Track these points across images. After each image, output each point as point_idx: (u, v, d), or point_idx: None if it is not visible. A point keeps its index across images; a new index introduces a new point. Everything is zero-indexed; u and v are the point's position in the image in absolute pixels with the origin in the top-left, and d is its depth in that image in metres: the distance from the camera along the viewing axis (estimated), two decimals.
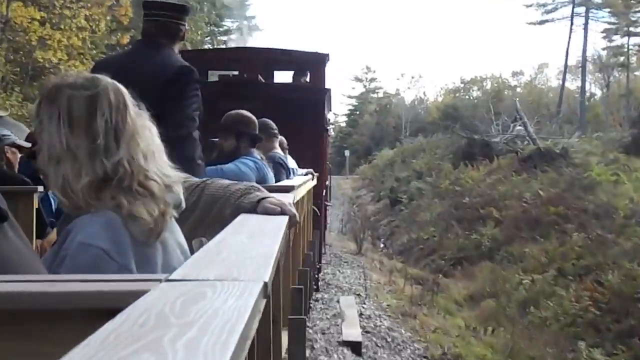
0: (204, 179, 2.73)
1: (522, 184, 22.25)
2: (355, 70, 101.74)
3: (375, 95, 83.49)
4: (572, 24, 53.60)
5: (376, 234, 25.02)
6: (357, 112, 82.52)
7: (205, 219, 2.57)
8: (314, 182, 8.40)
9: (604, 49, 61.62)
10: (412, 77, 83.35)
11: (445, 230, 20.89)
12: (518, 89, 73.19)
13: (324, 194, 11.12)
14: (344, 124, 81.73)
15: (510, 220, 19.53)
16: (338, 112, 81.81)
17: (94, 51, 26.17)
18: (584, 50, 53.54)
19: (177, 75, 3.99)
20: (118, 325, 0.86)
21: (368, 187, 39.35)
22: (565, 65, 53.56)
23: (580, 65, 57.75)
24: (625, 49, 62.22)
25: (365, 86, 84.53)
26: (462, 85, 78.45)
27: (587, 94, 64.93)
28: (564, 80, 54.47)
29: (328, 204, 13.94)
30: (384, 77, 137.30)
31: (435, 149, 33.63)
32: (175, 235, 2.02)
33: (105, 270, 1.71)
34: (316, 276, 11.06)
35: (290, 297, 4.53)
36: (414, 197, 25.86)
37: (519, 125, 31.99)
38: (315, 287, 11.14)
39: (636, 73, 65.92)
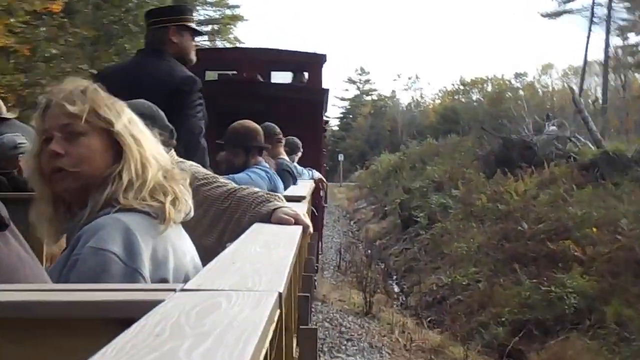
0: (241, 186, 2.87)
1: (599, 202, 14.71)
2: (348, 71, 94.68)
3: (369, 98, 77.44)
4: (592, 15, 46.18)
5: (386, 267, 17.41)
6: (350, 116, 76.63)
7: (229, 223, 2.68)
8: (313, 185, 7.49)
9: (617, 47, 54.51)
10: (409, 78, 76.34)
11: (495, 273, 13.35)
12: (520, 91, 66.25)
13: (321, 195, 10.46)
14: (336, 128, 75.35)
15: (603, 262, 12.02)
16: (330, 115, 75.45)
17: (12, 19, 18.83)
18: (607, 44, 46.06)
19: (180, 87, 3.94)
20: (133, 336, 0.85)
21: (368, 198, 31.71)
22: (585, 60, 46.17)
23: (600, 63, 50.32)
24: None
25: (359, 88, 78.42)
26: (461, 87, 71.61)
27: (593, 97, 58.61)
28: (582, 77, 46.96)
29: (325, 205, 13.56)
30: (379, 78, 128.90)
31: (452, 153, 25.96)
32: (185, 242, 2.00)
33: (116, 274, 1.71)
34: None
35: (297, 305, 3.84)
36: (436, 217, 18.20)
37: (553, 125, 24.75)
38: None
39: None
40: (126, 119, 1.96)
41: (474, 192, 18.22)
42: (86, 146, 1.90)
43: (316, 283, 11.26)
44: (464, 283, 13.48)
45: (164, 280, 1.82)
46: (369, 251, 19.02)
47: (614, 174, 16.88)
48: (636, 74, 60.14)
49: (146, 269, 1.77)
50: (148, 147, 1.97)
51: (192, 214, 2.01)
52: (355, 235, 23.69)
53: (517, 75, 69.37)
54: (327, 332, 9.96)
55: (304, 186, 5.96)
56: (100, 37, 25.86)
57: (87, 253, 1.74)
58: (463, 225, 16.40)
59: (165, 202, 1.89)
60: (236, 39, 45.85)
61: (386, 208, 24.97)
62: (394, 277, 16.81)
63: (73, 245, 1.82)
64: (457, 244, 15.21)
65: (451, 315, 12.68)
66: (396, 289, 15.56)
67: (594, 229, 13.21)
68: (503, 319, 11.69)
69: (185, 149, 3.18)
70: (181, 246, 1.96)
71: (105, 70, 5.65)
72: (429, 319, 12.75)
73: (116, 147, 1.93)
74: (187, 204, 1.97)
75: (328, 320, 10.73)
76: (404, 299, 14.64)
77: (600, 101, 52.81)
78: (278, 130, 6.27)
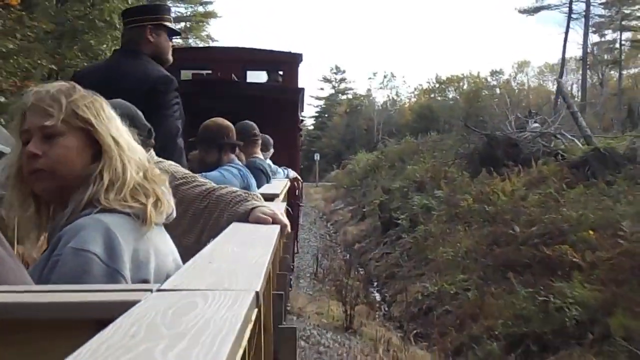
0: (220, 185, 2.82)
1: (594, 202, 13.63)
2: (323, 70, 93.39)
3: (344, 97, 76.48)
4: (570, 10, 45.20)
5: (366, 273, 16.24)
6: (326, 115, 75.65)
7: (208, 223, 2.64)
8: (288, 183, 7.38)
9: (594, 44, 53.80)
10: (385, 77, 75.26)
11: (485, 281, 12.22)
12: (497, 90, 65.47)
13: (297, 194, 10.03)
14: (311, 127, 74.34)
15: (605, 269, 10.92)
16: (305, 114, 74.38)
17: None
18: (585, 40, 45.14)
19: (156, 86, 3.87)
20: (109, 336, 0.84)
21: (345, 198, 30.55)
22: (563, 57, 45.19)
23: (578, 60, 49.50)
24: (617, 45, 54.89)
25: (334, 87, 77.38)
26: (437, 85, 70.75)
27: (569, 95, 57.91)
28: (561, 74, 45.93)
29: (301, 204, 13.10)
30: (354, 76, 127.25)
31: (432, 152, 24.81)
32: (166, 242, 1.98)
33: (97, 275, 1.69)
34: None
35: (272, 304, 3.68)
36: (418, 219, 17.06)
37: (535, 122, 23.81)
38: None
39: (629, 71, 58.72)
40: (105, 118, 1.94)
41: (458, 192, 17.12)
42: (64, 147, 1.88)
43: (292, 283, 11.10)
44: (451, 292, 12.35)
45: (145, 281, 1.76)
46: (348, 256, 17.89)
47: (606, 172, 15.85)
48: (611, 72, 59.72)
49: (127, 269, 1.74)
50: (127, 146, 1.94)
51: (174, 215, 1.99)
52: (332, 238, 22.53)
53: (493, 73, 68.73)
54: (303, 353, 8.79)
55: (278, 184, 5.83)
56: (65, 33, 24.68)
57: (68, 254, 1.72)
58: (449, 229, 15.27)
59: (147, 203, 1.85)
60: (209, 36, 44.75)
61: (364, 209, 23.82)
62: (375, 284, 15.65)
63: (54, 246, 1.79)
64: (442, 249, 14.07)
65: (439, 328, 11.56)
66: (378, 298, 14.41)
67: (591, 232, 12.13)
68: (496, 332, 10.58)
69: (163, 149, 3.09)
70: (163, 247, 1.92)
71: (81, 71, 5.56)
72: (414, 332, 11.63)
73: (95, 147, 1.91)
74: (169, 205, 1.95)
75: (305, 338, 9.56)
76: (386, 309, 13.49)
77: (577, 99, 52.20)
78: (254, 129, 6.08)
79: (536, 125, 23.35)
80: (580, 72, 55.78)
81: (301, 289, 12.97)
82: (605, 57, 55.66)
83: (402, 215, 18.10)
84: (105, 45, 26.73)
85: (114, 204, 1.82)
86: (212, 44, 43.86)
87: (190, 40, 44.19)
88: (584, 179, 15.84)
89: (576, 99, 53.44)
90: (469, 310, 11.60)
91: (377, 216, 20.39)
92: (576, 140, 19.87)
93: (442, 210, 16.74)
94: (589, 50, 47.58)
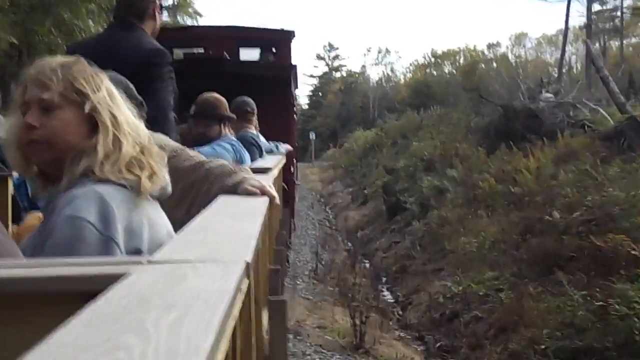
0: (208, 159, 2.76)
1: None
2: (316, 48, 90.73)
3: (339, 74, 74.28)
4: None
5: (372, 266, 13.93)
6: (320, 93, 73.45)
7: (197, 195, 2.57)
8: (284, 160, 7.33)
9: (594, 13, 51.32)
10: (379, 52, 72.86)
11: (520, 279, 9.93)
12: (494, 63, 63.05)
13: (292, 170, 10.05)
14: (306, 106, 72.22)
15: None
16: (299, 93, 72.52)
17: None
18: (589, 8, 42.57)
19: (151, 59, 3.79)
20: (100, 308, 0.82)
21: (344, 179, 28.20)
22: (566, 26, 42.69)
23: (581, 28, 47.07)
24: (618, 13, 52.56)
25: (328, 64, 75.11)
26: (433, 60, 68.36)
27: (566, 67, 55.66)
28: (564, 43, 43.47)
29: (297, 182, 12.83)
30: (348, 53, 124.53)
31: (438, 126, 22.40)
32: (160, 215, 1.96)
33: (91, 243, 1.68)
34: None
35: (267, 278, 3.65)
36: (429, 203, 14.75)
37: (547, 92, 21.48)
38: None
39: (629, 40, 56.47)
40: (105, 93, 1.91)
41: (474, 171, 14.80)
42: (60, 119, 1.86)
43: (289, 259, 10.51)
44: (480, 293, 10.08)
45: (138, 251, 1.76)
46: (350, 245, 15.61)
47: None
48: (611, 42, 57.49)
49: (121, 238, 1.73)
50: (124, 121, 1.91)
51: (169, 189, 1.97)
52: (332, 224, 20.23)
53: (490, 46, 66.29)
54: None
55: (272, 159, 5.53)
56: (35, 6, 22.47)
57: (62, 222, 1.71)
58: (468, 214, 12.95)
59: (142, 175, 1.84)
60: (196, 12, 42.44)
61: (366, 191, 21.50)
62: (384, 279, 13.37)
63: (49, 215, 1.79)
64: (464, 239, 11.77)
65: (468, 339, 9.32)
66: (388, 297, 12.12)
67: None
68: (543, 347, 8.34)
69: (154, 123, 2.75)
70: (158, 220, 1.91)
71: (76, 43, 5.52)
72: (438, 344, 9.40)
73: (93, 121, 1.89)
74: (164, 179, 1.93)
75: None
76: (400, 312, 11.20)
77: (576, 70, 49.98)
78: (248, 105, 5.90)
79: (549, 95, 21.12)
80: (580, 42, 53.54)
81: (298, 292, 10.68)
82: (606, 26, 53.38)
83: (411, 198, 15.79)
84: (80, 21, 24.44)
85: (109, 176, 1.80)
86: (200, 20, 41.71)
87: (178, 17, 41.84)
88: (619, 152, 13.60)
89: (574, 70, 51.28)
90: (504, 316, 9.35)
91: (381, 199, 18.06)
92: (601, 110, 17.60)
93: (458, 192, 14.43)
94: (582, 23, 45.06)
